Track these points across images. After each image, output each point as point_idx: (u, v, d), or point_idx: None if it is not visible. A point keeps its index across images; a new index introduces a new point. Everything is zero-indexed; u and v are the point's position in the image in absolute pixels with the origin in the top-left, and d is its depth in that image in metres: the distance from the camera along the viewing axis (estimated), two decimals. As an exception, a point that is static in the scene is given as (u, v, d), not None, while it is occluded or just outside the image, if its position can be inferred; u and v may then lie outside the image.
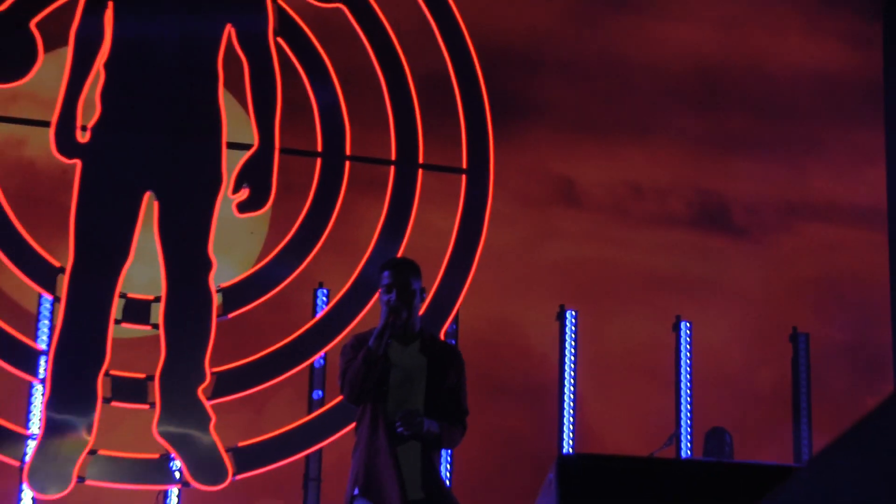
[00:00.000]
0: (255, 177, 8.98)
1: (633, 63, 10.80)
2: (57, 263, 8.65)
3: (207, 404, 8.64)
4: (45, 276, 8.67)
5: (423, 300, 6.14)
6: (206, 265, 8.80)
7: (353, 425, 8.41)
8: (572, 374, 9.07)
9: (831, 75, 11.41)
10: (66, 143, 8.67)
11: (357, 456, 5.85)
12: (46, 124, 8.79)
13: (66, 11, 8.89)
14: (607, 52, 10.86)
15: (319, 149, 9.33)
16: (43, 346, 8.59)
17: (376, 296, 8.57)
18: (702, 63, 11.07)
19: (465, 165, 9.43)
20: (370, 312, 8.86)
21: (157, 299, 8.79)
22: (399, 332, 5.80)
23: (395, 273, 5.92)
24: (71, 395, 8.55)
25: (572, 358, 9.19)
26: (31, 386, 8.58)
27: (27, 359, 8.57)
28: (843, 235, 11.01)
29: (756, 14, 11.14)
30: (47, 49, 8.87)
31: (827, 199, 11.09)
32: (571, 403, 9.19)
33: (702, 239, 10.63)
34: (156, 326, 8.77)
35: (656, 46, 10.89)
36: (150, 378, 8.68)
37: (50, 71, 9.01)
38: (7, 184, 8.87)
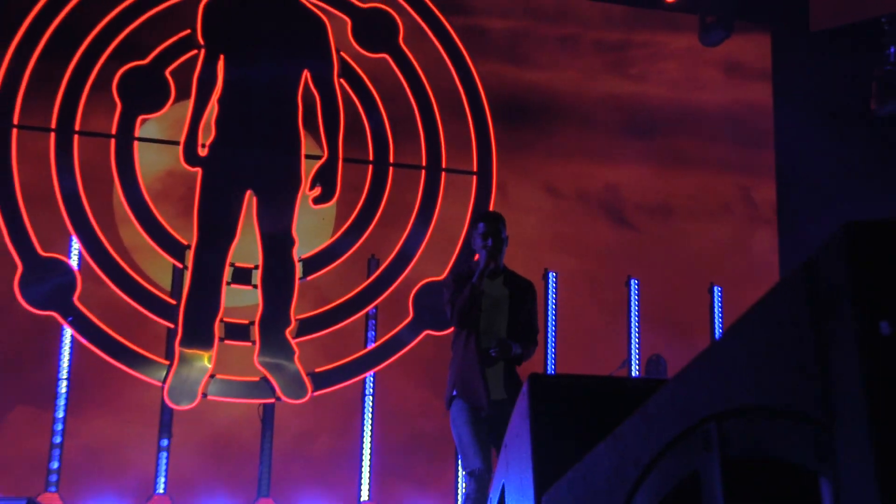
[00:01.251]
0: (324, 179, 9.85)
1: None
2: (185, 242, 9.51)
3: (293, 342, 9.49)
4: (175, 249, 9.56)
5: (507, 244, 6.32)
6: (291, 242, 9.69)
7: (395, 357, 9.62)
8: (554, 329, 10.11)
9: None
10: (191, 156, 9.57)
11: (454, 367, 6.21)
12: (178, 143, 9.69)
13: (191, 63, 9.76)
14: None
15: (371, 158, 10.21)
16: (176, 301, 9.48)
17: (412, 264, 9.77)
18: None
19: (475, 169, 10.35)
20: (408, 276, 9.87)
21: (256, 267, 9.65)
22: (490, 270, 6.15)
23: (490, 223, 6.26)
24: (196, 336, 9.40)
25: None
26: (167, 330, 9.42)
27: (165, 310, 9.48)
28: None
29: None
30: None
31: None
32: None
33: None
34: (255, 286, 9.64)
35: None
36: (252, 323, 9.54)
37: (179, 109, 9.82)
38: (151, 186, 9.74)
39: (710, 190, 11.56)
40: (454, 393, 6.11)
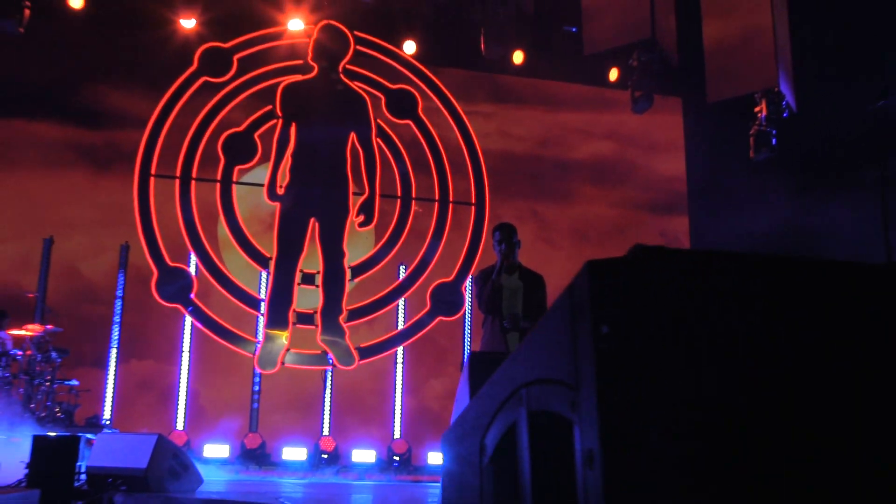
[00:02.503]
0: (366, 210, 10.75)
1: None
2: (268, 255, 10.49)
3: (344, 325, 10.40)
4: (262, 260, 10.51)
5: (519, 246, 6.25)
6: (342, 254, 10.57)
7: (417, 336, 10.61)
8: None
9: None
10: (272, 194, 10.51)
11: (483, 341, 6.26)
12: (263, 185, 10.61)
13: (273, 129, 10.73)
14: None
15: (399, 194, 11.07)
16: (262, 296, 10.46)
17: (429, 269, 10.71)
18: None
19: (473, 201, 11.24)
20: (426, 279, 10.70)
21: (318, 272, 10.51)
22: (506, 267, 6.16)
23: (503, 232, 6.20)
24: (276, 321, 10.32)
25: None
26: (256, 318, 10.40)
27: (255, 304, 10.43)
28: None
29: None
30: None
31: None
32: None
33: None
34: (317, 286, 10.50)
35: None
36: (315, 312, 10.42)
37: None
38: (248, 218, 10.64)
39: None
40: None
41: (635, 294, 1.33)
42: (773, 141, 10.24)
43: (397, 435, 10.59)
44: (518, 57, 11.61)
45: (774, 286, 1.44)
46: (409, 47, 11.45)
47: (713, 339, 1.35)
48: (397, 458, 10.43)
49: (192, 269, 10.36)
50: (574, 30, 11.16)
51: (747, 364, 1.35)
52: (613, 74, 11.73)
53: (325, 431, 10.45)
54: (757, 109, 10.49)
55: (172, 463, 6.19)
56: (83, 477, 6.07)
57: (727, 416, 1.31)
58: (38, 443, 5.81)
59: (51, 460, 5.72)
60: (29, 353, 8.89)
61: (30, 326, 8.99)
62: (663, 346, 1.31)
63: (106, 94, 10.94)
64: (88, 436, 7.55)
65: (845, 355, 1.43)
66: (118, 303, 10.21)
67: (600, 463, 1.24)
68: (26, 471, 5.80)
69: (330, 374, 10.58)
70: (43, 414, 8.72)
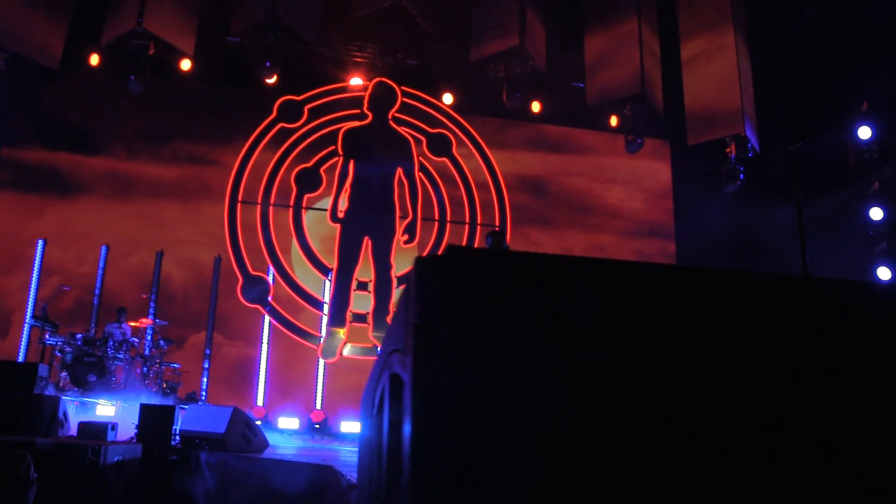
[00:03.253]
0: (410, 230, 11.52)
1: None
2: (330, 266, 11.25)
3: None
4: (325, 271, 11.26)
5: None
6: (390, 266, 11.30)
7: None
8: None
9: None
10: (334, 218, 11.32)
11: None
12: (327, 210, 11.37)
13: (335, 165, 11.59)
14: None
15: (437, 218, 11.75)
16: (325, 300, 11.17)
17: None
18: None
19: (497, 224, 11.96)
20: None
21: (370, 281, 11.19)
22: None
23: (495, 238, 6.22)
24: (336, 320, 11.05)
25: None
26: (320, 317, 11.10)
27: (319, 306, 11.19)
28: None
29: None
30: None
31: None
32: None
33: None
34: (369, 291, 11.17)
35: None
36: (368, 313, 11.12)
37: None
38: (314, 236, 11.37)
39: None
40: None
41: (443, 282, 1.39)
42: (741, 176, 11.15)
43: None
44: (535, 107, 12.37)
45: (580, 287, 1.44)
46: (447, 99, 12.31)
47: (505, 324, 1.38)
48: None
49: (269, 277, 11.19)
50: (581, 85, 11.94)
51: (531, 349, 1.38)
52: (614, 121, 12.34)
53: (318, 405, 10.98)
54: (728, 150, 11.32)
55: (244, 429, 6.72)
56: (177, 438, 6.75)
57: (505, 387, 1.35)
58: (145, 410, 6.45)
59: (154, 424, 6.27)
60: (144, 340, 9.78)
61: (144, 320, 9.85)
62: (462, 326, 1.36)
63: (204, 136, 11.86)
64: (183, 406, 8.47)
65: (649, 355, 1.40)
66: (212, 304, 11.03)
67: (410, 416, 1.33)
68: (136, 430, 6.48)
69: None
70: (154, 389, 9.53)
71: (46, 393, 6.77)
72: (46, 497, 4.37)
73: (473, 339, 1.33)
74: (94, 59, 11.00)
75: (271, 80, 11.51)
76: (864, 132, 11.31)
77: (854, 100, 11.03)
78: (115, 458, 5.34)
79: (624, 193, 13.04)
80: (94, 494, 4.81)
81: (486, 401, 1.31)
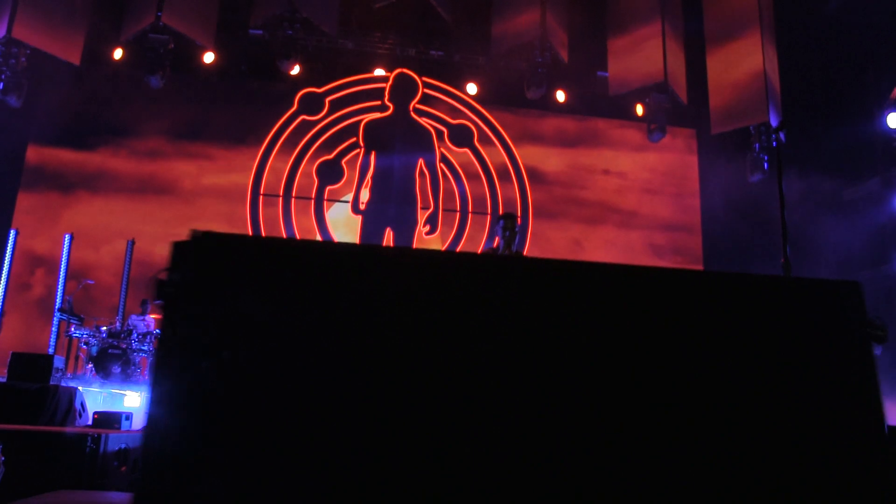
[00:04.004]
0: (431, 221, 11.62)
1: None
2: None
3: None
4: None
5: (519, 235, 6.21)
6: None
7: None
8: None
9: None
10: (356, 209, 11.42)
11: None
12: (348, 202, 11.46)
13: (356, 156, 11.64)
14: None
15: (458, 209, 11.77)
16: None
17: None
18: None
19: (519, 213, 11.91)
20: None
21: None
22: (508, 253, 6.01)
23: (507, 221, 6.08)
24: None
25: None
26: None
27: None
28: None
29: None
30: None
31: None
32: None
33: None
34: None
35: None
36: None
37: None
38: (332, 224, 11.53)
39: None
40: None
41: (186, 261, 1.55)
42: (766, 165, 10.98)
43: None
44: (560, 96, 12.28)
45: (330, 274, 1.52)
46: (471, 89, 12.25)
47: (234, 309, 1.49)
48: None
49: None
50: (605, 74, 11.77)
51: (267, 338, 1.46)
52: (640, 110, 12.14)
53: None
54: (752, 140, 11.19)
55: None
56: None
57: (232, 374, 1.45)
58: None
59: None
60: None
61: (168, 312, 10.00)
62: (194, 299, 1.49)
63: (227, 130, 11.92)
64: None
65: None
66: None
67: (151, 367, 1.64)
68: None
69: None
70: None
71: (64, 384, 6.86)
72: (43, 482, 4.44)
73: (208, 322, 1.40)
74: (118, 54, 11.07)
75: (294, 73, 11.49)
76: (894, 120, 11.09)
77: (883, 87, 10.84)
78: (120, 447, 5.38)
79: (649, 184, 12.91)
80: (93, 480, 4.85)
81: (210, 385, 1.36)
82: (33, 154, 11.50)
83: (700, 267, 12.01)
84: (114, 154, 11.64)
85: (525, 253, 11.71)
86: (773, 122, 10.63)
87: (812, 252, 10.66)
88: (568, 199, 12.62)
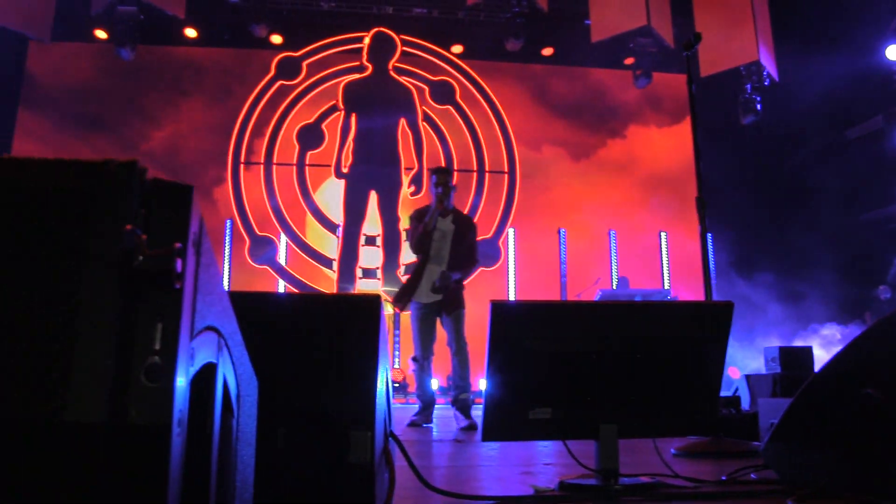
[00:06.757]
0: (416, 181, 11.25)
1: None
2: (336, 222, 11.02)
3: (402, 277, 10.04)
4: (332, 228, 11.03)
5: (455, 190, 5.81)
6: (398, 219, 11.03)
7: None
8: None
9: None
10: (339, 173, 11.11)
11: (411, 280, 5.81)
12: (330, 166, 11.17)
13: (337, 119, 11.29)
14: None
15: (444, 167, 11.72)
16: (334, 257, 10.91)
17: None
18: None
19: (506, 169, 11.54)
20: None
21: (378, 235, 10.98)
22: (441, 211, 5.69)
23: (440, 176, 5.72)
24: (345, 276, 10.84)
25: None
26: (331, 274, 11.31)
27: (328, 263, 10.92)
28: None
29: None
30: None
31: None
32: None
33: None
34: (378, 246, 10.94)
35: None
36: (377, 269, 10.88)
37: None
38: (316, 191, 11.22)
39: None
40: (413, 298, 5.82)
41: None
42: (759, 107, 10.43)
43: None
44: (547, 52, 11.80)
45: None
46: (455, 49, 11.75)
47: None
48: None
49: (278, 238, 10.99)
50: (589, 23, 11.13)
51: None
52: (629, 60, 11.72)
53: (396, 364, 10.70)
54: (743, 81, 10.64)
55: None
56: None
57: None
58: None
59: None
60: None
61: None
62: None
63: (207, 99, 11.52)
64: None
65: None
66: (226, 265, 10.81)
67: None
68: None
69: (397, 316, 10.80)
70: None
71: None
72: None
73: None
74: (101, 35, 10.71)
75: (277, 41, 11.17)
76: (893, 52, 10.43)
77: (881, 18, 10.18)
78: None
79: (640, 132, 12.41)
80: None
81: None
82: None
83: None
84: (95, 132, 11.19)
85: (514, 209, 11.32)
86: (765, 62, 10.05)
87: (817, 195, 10.17)
88: (556, 151, 12.08)
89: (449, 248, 5.69)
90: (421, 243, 5.68)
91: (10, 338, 0.71)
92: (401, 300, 5.82)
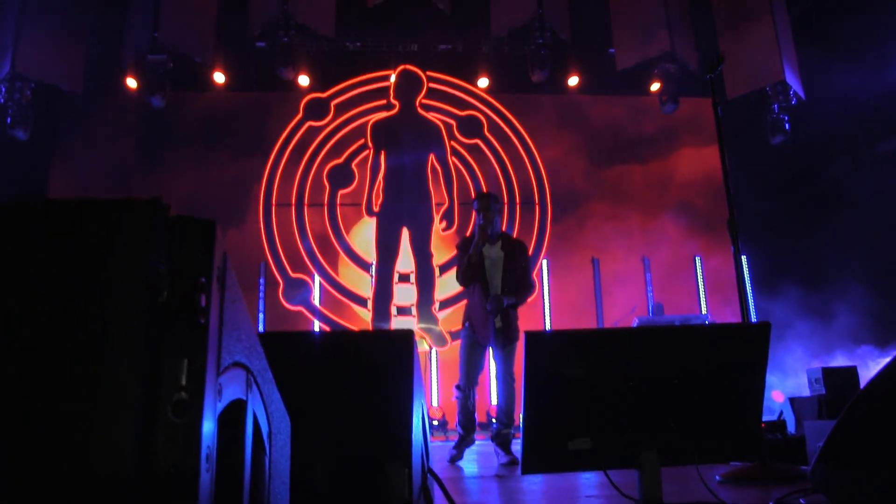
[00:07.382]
0: (448, 216, 11.22)
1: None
2: (369, 261, 11.01)
3: (436, 314, 10.84)
4: (366, 267, 11.03)
5: (501, 214, 5.67)
6: (430, 255, 11.01)
7: None
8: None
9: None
10: (370, 211, 11.12)
11: (467, 309, 5.73)
12: (361, 205, 11.20)
13: (367, 158, 11.35)
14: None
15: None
16: (368, 295, 10.88)
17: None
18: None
19: (536, 200, 11.44)
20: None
21: (412, 272, 10.94)
22: (487, 238, 5.50)
23: (481, 202, 5.55)
24: (380, 314, 10.83)
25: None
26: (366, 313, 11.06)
27: (362, 302, 10.93)
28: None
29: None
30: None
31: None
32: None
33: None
34: (412, 283, 10.92)
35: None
36: (412, 306, 10.88)
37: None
38: (347, 230, 11.25)
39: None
40: (465, 325, 5.72)
41: None
42: (787, 126, 10.30)
43: (495, 401, 10.67)
44: (573, 81, 11.67)
45: None
46: (482, 83, 11.71)
47: None
48: (495, 421, 10.51)
49: (310, 279, 11.00)
50: (612, 51, 11.26)
51: None
52: (655, 86, 11.48)
53: (434, 402, 10.63)
54: (770, 101, 10.53)
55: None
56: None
57: None
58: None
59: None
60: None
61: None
62: None
63: (239, 143, 11.57)
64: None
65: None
66: (261, 304, 10.82)
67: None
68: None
69: (429, 353, 10.85)
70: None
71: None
72: None
73: None
74: (132, 83, 10.87)
75: (304, 83, 11.25)
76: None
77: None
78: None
79: (669, 156, 12.28)
80: None
81: None
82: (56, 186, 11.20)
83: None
84: (127, 182, 11.30)
85: (547, 239, 11.27)
86: (790, 81, 9.95)
87: (854, 211, 9.98)
88: (586, 180, 11.98)
89: (500, 275, 5.58)
90: (467, 275, 5.58)
91: (38, 372, 0.71)
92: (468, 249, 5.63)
